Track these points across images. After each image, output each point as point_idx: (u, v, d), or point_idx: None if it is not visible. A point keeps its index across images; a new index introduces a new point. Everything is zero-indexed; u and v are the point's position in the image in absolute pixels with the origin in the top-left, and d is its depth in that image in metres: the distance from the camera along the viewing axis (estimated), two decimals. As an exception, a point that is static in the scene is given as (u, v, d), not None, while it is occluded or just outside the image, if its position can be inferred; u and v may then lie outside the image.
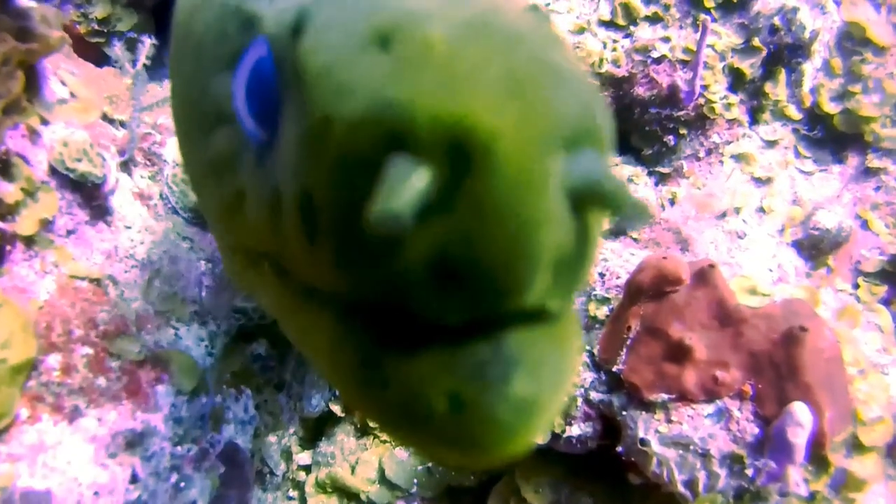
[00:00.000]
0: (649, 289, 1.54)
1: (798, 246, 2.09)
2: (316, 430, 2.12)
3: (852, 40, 2.22)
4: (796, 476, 1.37)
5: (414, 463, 1.89)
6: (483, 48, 0.44)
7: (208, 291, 1.79)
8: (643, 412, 1.50)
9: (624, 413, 1.53)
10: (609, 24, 2.22)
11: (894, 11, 2.25)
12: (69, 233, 1.62)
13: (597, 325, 1.69)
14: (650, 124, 2.18)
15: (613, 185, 0.43)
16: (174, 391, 1.63)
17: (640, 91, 2.15)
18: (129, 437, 1.52)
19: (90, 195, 1.66)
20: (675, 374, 1.46)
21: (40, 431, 1.43)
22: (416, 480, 1.89)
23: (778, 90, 2.25)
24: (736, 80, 2.22)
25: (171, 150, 1.94)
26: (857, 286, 2.05)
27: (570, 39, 2.21)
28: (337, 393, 1.94)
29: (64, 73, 1.77)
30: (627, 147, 2.28)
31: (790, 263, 2.06)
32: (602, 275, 1.78)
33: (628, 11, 2.19)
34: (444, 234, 0.43)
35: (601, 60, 2.17)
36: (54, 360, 1.48)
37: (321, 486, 1.96)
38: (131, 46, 1.97)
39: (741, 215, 2.13)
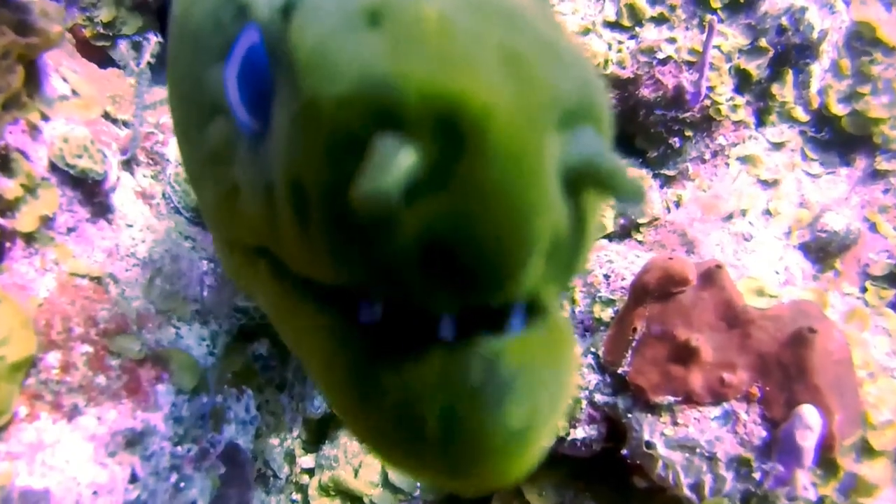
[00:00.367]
0: (655, 290, 1.53)
1: (805, 249, 2.07)
2: (319, 433, 2.12)
3: (862, 40, 2.20)
4: (804, 480, 1.35)
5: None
6: (478, 24, 0.43)
7: (210, 290, 1.78)
8: (649, 414, 1.48)
9: (629, 415, 1.51)
10: (614, 25, 2.21)
11: (906, 11, 2.23)
12: (70, 230, 1.61)
13: (602, 327, 1.68)
14: (655, 126, 2.17)
15: (611, 165, 0.42)
16: (174, 390, 1.61)
17: (646, 92, 2.13)
18: (129, 436, 1.51)
19: (91, 192, 1.65)
20: (682, 376, 1.45)
21: (39, 430, 1.42)
22: (418, 484, 1.88)
23: (785, 91, 2.23)
24: (742, 81, 2.20)
25: (174, 150, 1.93)
26: (864, 290, 2.02)
27: (574, 40, 2.21)
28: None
29: (66, 71, 1.76)
30: (632, 149, 2.26)
31: (797, 266, 2.04)
32: (607, 276, 1.76)
33: (634, 12, 2.18)
34: (436, 216, 0.41)
35: (606, 62, 2.15)
36: (54, 357, 1.47)
37: (324, 490, 1.95)
38: (136, 49, 1.97)
39: (747, 217, 2.11)
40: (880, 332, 1.83)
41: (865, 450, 1.43)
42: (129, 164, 1.85)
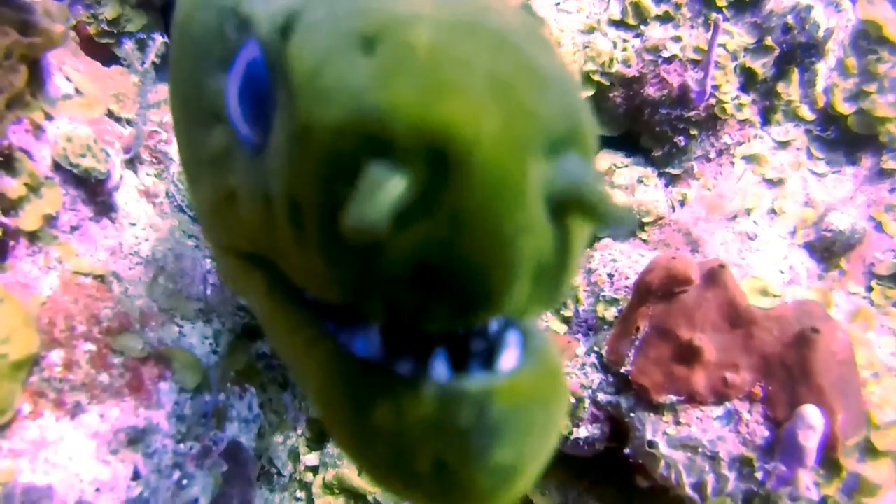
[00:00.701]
0: (658, 289, 1.52)
1: (810, 248, 2.06)
2: (322, 431, 2.11)
3: (868, 39, 2.19)
4: (807, 480, 1.34)
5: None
6: (467, 52, 0.44)
7: (213, 289, 1.79)
8: (651, 414, 1.48)
9: (632, 415, 1.51)
10: (619, 24, 2.21)
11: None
12: (73, 229, 1.62)
13: (605, 326, 1.67)
14: (660, 125, 2.16)
15: (595, 194, 0.43)
16: (177, 388, 1.62)
17: (651, 91, 2.13)
18: (132, 433, 1.51)
19: (94, 191, 1.65)
20: (685, 376, 1.44)
21: (42, 427, 1.42)
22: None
23: (791, 90, 2.22)
24: (748, 80, 2.19)
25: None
26: (870, 289, 2.01)
27: (579, 39, 2.20)
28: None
29: (69, 70, 1.76)
30: (637, 148, 2.26)
31: (802, 265, 2.03)
32: (611, 276, 1.76)
33: (639, 11, 2.17)
34: (425, 239, 0.43)
35: (611, 60, 2.15)
36: (56, 355, 1.47)
37: (328, 487, 1.95)
38: (141, 47, 1.97)
39: (752, 216, 2.10)
40: (886, 332, 1.82)
41: (869, 450, 1.42)
42: (132, 163, 1.85)
